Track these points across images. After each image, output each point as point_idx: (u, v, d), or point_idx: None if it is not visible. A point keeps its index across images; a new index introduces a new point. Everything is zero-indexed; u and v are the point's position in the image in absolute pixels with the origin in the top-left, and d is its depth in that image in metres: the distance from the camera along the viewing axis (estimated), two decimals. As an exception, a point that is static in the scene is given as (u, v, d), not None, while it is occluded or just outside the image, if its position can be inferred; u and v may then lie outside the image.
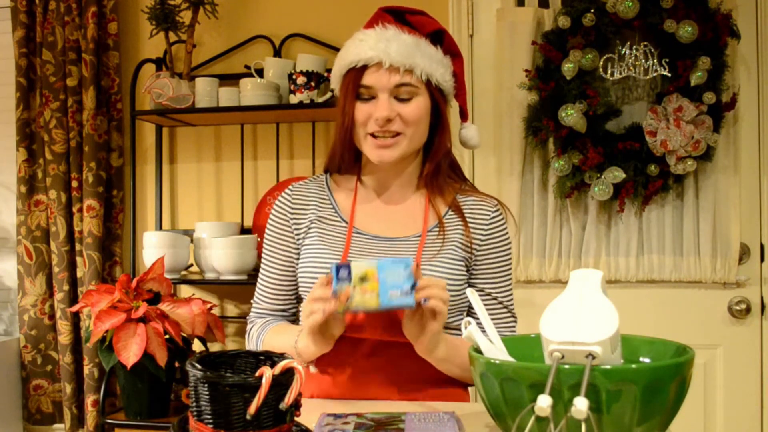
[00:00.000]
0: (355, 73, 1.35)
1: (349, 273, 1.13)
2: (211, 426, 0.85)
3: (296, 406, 0.89)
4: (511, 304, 1.44)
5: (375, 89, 1.34)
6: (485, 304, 1.35)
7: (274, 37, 2.64)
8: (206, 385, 0.85)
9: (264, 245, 1.47)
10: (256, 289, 1.48)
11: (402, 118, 1.34)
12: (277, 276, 1.45)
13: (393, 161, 1.36)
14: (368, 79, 1.34)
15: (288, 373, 0.87)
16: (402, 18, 1.39)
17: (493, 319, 1.26)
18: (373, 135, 1.35)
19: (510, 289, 1.45)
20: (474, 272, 1.41)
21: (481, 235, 1.41)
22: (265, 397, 0.83)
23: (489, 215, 1.42)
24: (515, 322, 1.45)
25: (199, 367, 0.87)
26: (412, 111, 1.34)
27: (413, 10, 1.40)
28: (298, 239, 1.43)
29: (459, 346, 1.29)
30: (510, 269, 1.44)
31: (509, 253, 1.44)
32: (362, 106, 1.35)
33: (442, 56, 1.38)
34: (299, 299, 1.46)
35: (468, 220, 1.41)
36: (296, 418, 0.94)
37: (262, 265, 1.48)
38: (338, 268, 1.14)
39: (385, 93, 1.33)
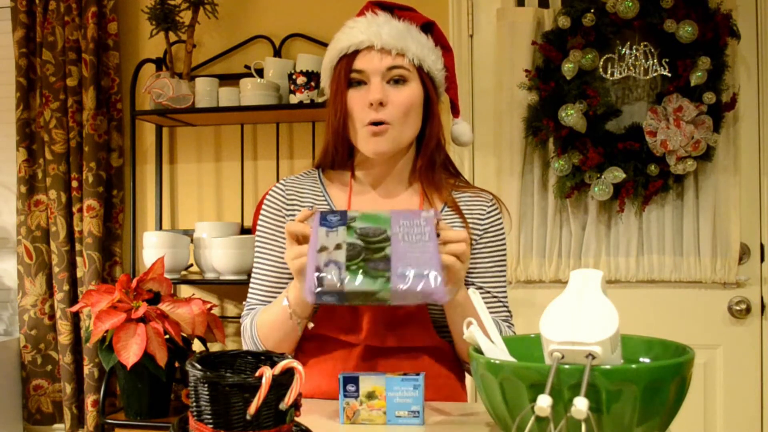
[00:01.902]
0: (347, 59, 1.34)
1: (357, 388, 1.13)
2: (211, 426, 0.85)
3: (296, 406, 0.89)
4: (506, 299, 1.43)
5: (367, 73, 1.32)
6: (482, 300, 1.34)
7: (274, 37, 2.64)
8: (206, 385, 0.85)
9: (257, 241, 1.42)
10: (249, 289, 1.43)
11: (394, 104, 1.32)
12: (272, 272, 1.40)
13: (387, 152, 1.34)
14: (360, 62, 1.33)
15: (288, 373, 0.87)
16: (391, 11, 1.39)
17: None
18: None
19: (505, 285, 1.43)
20: (470, 268, 1.39)
21: (478, 229, 1.39)
22: (265, 397, 0.83)
23: (485, 210, 1.41)
24: (511, 316, 1.43)
25: (199, 367, 0.87)
26: (405, 97, 1.32)
27: (402, 6, 1.40)
28: None
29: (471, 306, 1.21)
30: (505, 265, 1.42)
31: (504, 249, 1.42)
32: (355, 93, 1.34)
33: (433, 45, 1.38)
34: None
35: (466, 216, 1.39)
36: (296, 418, 0.94)
37: (255, 263, 1.42)
38: (346, 381, 1.13)
39: (377, 76, 1.32)
